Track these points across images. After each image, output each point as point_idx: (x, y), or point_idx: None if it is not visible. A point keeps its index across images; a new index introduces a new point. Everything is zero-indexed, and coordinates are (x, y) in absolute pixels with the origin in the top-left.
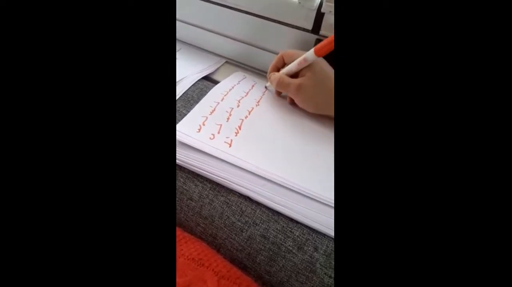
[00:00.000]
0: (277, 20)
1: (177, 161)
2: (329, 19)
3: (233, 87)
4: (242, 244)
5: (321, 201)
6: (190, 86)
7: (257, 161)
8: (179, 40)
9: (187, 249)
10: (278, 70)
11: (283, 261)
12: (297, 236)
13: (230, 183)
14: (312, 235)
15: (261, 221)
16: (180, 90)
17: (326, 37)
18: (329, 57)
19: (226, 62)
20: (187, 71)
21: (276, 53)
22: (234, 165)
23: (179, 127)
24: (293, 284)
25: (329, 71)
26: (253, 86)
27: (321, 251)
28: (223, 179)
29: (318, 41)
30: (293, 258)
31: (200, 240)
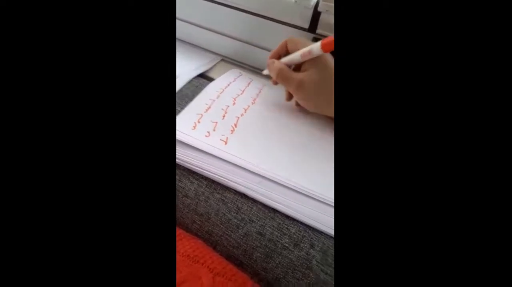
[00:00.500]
0: (273, 19)
1: None
2: (325, 18)
3: (228, 85)
4: (238, 241)
5: (318, 198)
6: (185, 84)
7: (253, 159)
8: None
9: (182, 246)
10: (279, 57)
11: (279, 258)
12: (294, 233)
13: (226, 180)
14: (308, 232)
15: (257, 218)
16: None
17: (323, 36)
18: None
19: (222, 59)
20: (182, 69)
21: None
22: (230, 162)
23: None
24: (289, 280)
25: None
26: (249, 83)
27: (317, 248)
28: (219, 177)
29: (315, 39)
30: (289, 255)
31: (195, 237)
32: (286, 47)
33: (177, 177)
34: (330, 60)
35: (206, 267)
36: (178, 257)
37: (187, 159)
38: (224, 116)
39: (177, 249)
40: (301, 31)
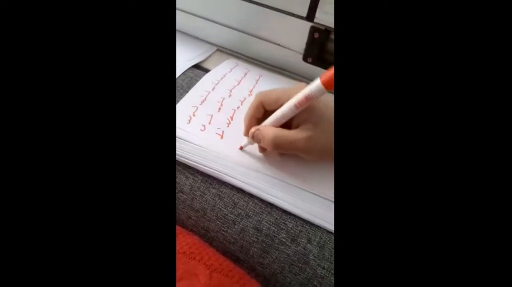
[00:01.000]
0: (270, 6)
1: None
2: (323, 6)
3: (224, 76)
4: (235, 236)
5: (314, 192)
6: (180, 75)
7: (250, 153)
8: None
9: (178, 243)
10: (258, 121)
11: (276, 253)
12: (290, 228)
13: (222, 175)
14: (305, 227)
15: (254, 213)
16: None
17: (321, 25)
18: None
19: (218, 50)
20: (176, 60)
21: (270, 41)
22: (226, 156)
23: None
24: (287, 275)
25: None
26: (245, 74)
27: (314, 243)
28: (215, 171)
29: (313, 29)
30: (287, 250)
31: (191, 233)
32: (263, 107)
33: None
34: (326, 97)
35: (203, 263)
36: None
37: (182, 153)
38: (220, 109)
39: None
40: (299, 20)
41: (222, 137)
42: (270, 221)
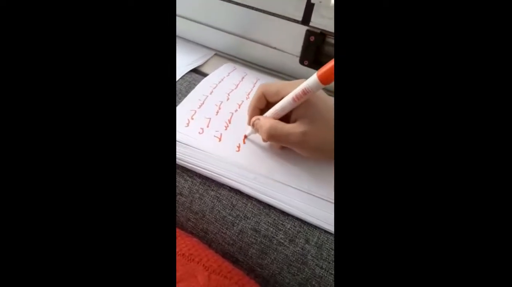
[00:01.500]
0: (266, 11)
1: None
2: (319, 10)
3: (222, 79)
4: (234, 238)
5: (312, 193)
6: (178, 79)
7: (248, 155)
8: None
9: (177, 245)
10: (260, 112)
11: (275, 253)
12: (289, 229)
13: (221, 177)
14: (303, 227)
15: (252, 215)
16: None
17: (316, 28)
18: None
19: (215, 54)
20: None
21: (267, 45)
22: (224, 159)
23: None
24: (285, 276)
25: (331, 99)
26: (243, 78)
27: (312, 243)
28: (213, 173)
29: (309, 32)
30: (285, 250)
31: (190, 235)
32: (265, 98)
33: None
34: (325, 97)
35: (202, 265)
36: None
37: (181, 156)
38: (217, 112)
39: None
40: (294, 24)
41: (220, 139)
42: (268, 222)
